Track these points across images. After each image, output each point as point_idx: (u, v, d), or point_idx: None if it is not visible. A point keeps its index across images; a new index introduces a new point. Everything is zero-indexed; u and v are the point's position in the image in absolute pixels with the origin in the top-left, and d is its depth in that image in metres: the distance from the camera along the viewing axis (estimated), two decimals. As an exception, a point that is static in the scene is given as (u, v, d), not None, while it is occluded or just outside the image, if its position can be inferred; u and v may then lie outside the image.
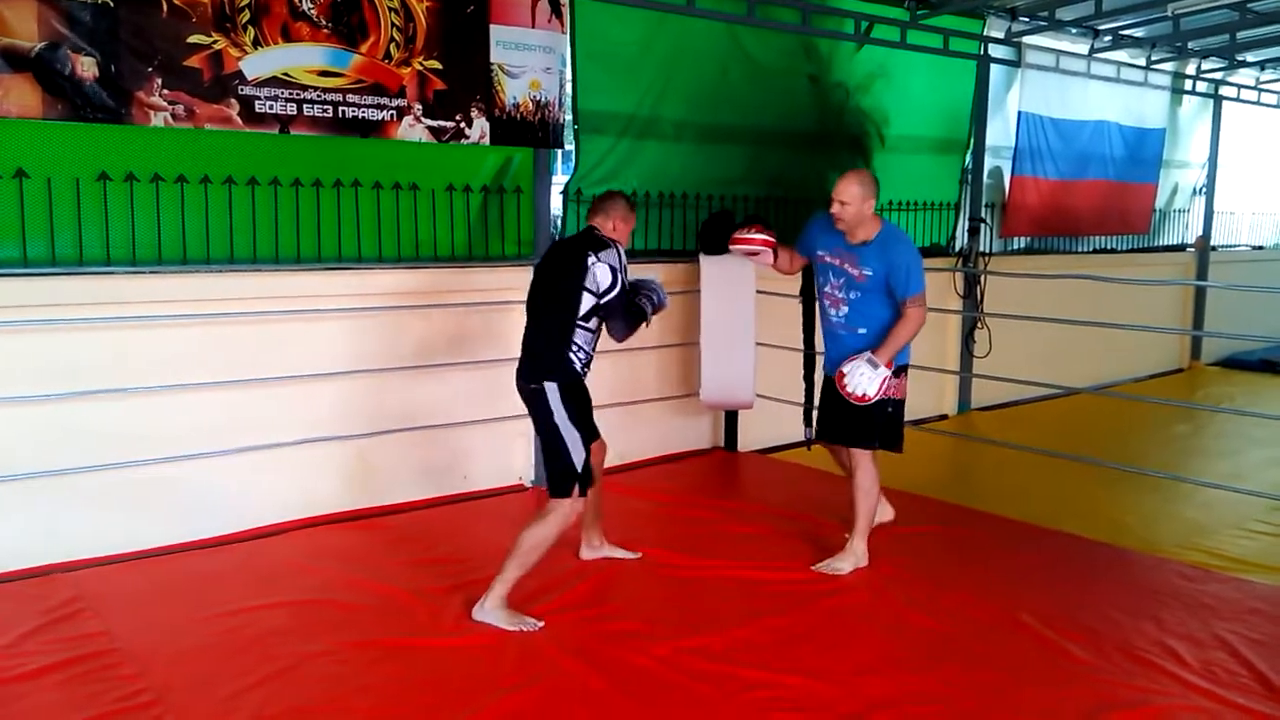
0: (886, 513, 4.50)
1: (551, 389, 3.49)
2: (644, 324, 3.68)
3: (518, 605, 3.52)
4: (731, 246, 4.45)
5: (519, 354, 3.66)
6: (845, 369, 3.98)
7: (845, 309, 4.07)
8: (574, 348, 3.51)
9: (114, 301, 4.04)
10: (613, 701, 2.98)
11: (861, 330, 4.04)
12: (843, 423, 4.12)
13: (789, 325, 5.56)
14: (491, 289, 5.10)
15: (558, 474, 3.53)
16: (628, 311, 3.61)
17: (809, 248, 4.22)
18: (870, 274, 3.96)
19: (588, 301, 3.49)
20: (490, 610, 3.46)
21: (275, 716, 2.86)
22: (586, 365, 3.59)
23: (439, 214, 4.95)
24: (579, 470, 3.51)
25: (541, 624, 3.45)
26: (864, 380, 3.92)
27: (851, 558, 4.06)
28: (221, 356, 4.33)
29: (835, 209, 3.95)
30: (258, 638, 3.35)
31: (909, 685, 3.09)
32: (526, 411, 3.65)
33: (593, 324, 3.56)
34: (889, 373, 3.94)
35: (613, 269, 3.50)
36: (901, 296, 3.93)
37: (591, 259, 3.48)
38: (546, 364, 3.51)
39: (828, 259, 4.09)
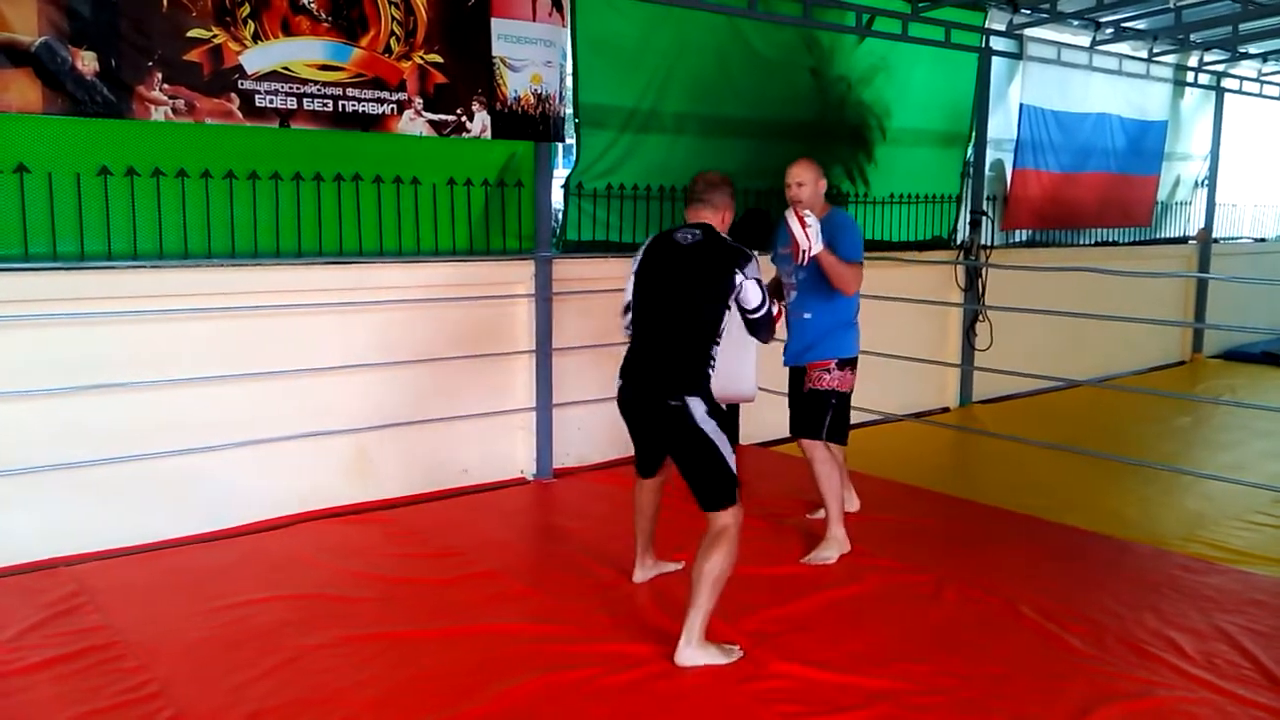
0: (853, 503, 4.64)
1: (695, 403, 3.29)
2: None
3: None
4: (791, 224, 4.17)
5: (635, 363, 3.45)
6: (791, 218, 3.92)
7: (794, 293, 4.26)
8: (711, 363, 3.35)
9: (115, 296, 4.04)
10: (614, 695, 2.98)
11: (807, 315, 4.21)
12: (794, 415, 4.35)
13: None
14: (493, 283, 5.10)
15: (716, 485, 3.30)
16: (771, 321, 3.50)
17: (773, 247, 4.39)
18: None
19: (727, 318, 3.35)
20: (697, 651, 3.15)
21: (278, 708, 2.87)
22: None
23: (440, 208, 4.95)
24: (735, 476, 3.34)
25: (741, 652, 3.24)
26: (797, 226, 3.86)
27: (835, 545, 4.17)
28: (222, 351, 4.34)
29: (792, 191, 4.11)
30: (260, 631, 3.35)
31: (910, 676, 3.09)
32: (647, 424, 3.47)
33: (724, 335, 3.41)
34: (817, 248, 3.86)
35: (759, 283, 3.35)
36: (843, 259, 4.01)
37: (739, 277, 3.30)
38: (687, 380, 3.31)
39: (784, 251, 4.22)
